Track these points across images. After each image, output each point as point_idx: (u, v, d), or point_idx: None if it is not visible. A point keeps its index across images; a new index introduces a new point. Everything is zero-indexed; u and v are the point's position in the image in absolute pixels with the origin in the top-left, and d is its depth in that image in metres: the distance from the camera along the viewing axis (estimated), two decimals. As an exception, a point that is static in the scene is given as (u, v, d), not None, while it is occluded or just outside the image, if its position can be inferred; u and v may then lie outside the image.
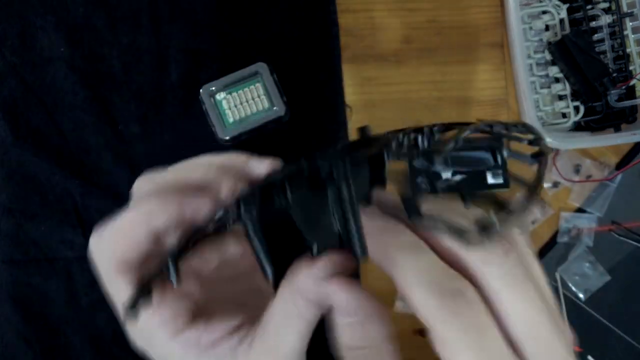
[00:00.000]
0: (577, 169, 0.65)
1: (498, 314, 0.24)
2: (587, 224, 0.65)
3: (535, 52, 0.65)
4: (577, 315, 0.63)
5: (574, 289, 0.64)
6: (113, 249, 0.31)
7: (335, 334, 0.26)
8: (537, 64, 0.65)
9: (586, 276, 0.64)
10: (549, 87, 0.65)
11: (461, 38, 0.66)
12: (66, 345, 0.63)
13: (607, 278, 0.63)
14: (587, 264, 0.64)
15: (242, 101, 0.63)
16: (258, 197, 0.27)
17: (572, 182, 0.65)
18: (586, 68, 0.62)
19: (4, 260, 0.63)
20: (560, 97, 0.65)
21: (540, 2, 0.64)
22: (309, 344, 0.27)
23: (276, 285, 0.28)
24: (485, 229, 0.24)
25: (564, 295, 0.64)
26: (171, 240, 0.31)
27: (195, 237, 0.28)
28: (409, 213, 0.26)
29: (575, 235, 0.65)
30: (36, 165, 0.64)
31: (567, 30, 0.64)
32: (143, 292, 0.28)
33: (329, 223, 0.26)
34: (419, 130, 0.26)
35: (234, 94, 0.63)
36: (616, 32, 0.64)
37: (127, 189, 0.64)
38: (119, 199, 0.64)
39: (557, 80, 0.65)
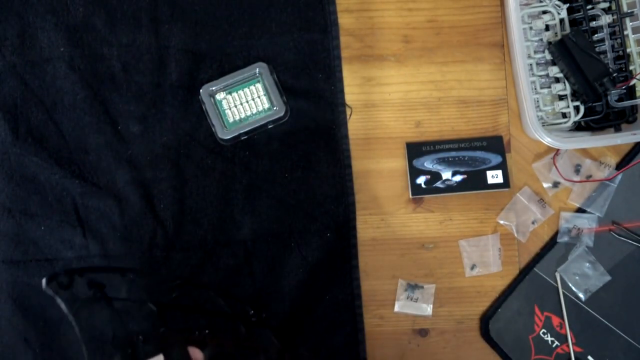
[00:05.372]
0: (577, 169, 0.65)
1: None
2: (587, 224, 0.65)
3: (535, 52, 0.65)
4: (577, 315, 0.63)
5: (574, 289, 0.64)
6: None
7: None
8: (537, 64, 0.65)
9: (586, 276, 0.64)
10: (549, 87, 0.65)
11: (461, 38, 0.66)
12: (66, 345, 0.63)
13: (607, 278, 0.63)
14: (587, 264, 0.64)
15: (242, 101, 0.63)
16: None
17: (572, 182, 0.65)
18: (586, 68, 0.62)
19: (4, 260, 0.63)
20: (561, 97, 0.65)
21: (540, 2, 0.64)
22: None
23: None
24: None
25: (564, 295, 0.64)
26: None
27: None
28: None
29: (575, 235, 0.65)
30: (36, 165, 0.64)
31: (567, 30, 0.64)
32: None
33: None
34: None
35: (234, 94, 0.63)
36: (616, 32, 0.64)
37: (126, 189, 0.64)
38: (118, 199, 0.64)
39: (557, 80, 0.65)
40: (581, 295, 0.64)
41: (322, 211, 0.64)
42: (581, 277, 0.64)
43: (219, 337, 0.33)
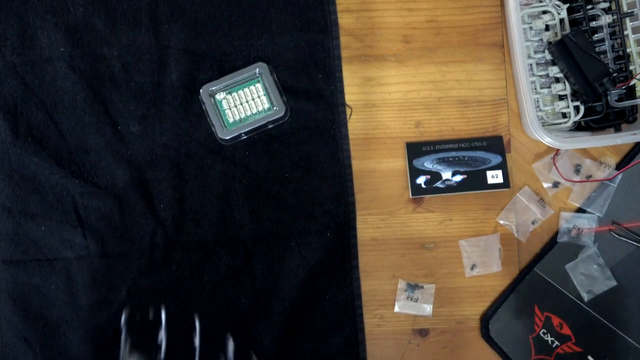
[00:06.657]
0: (577, 169, 0.65)
1: None
2: (587, 224, 0.65)
3: (535, 52, 0.65)
4: (577, 315, 0.63)
5: (577, 287, 0.63)
6: None
7: None
8: (537, 64, 0.65)
9: (593, 278, 0.64)
10: (549, 87, 0.65)
11: (461, 38, 0.66)
12: (66, 345, 0.63)
13: (613, 283, 0.63)
14: (595, 266, 0.64)
15: (242, 101, 0.63)
16: None
17: (572, 182, 0.65)
18: (586, 68, 0.62)
19: (4, 260, 0.63)
20: (561, 97, 0.65)
21: (540, 2, 0.64)
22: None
23: None
24: None
25: (564, 294, 0.64)
26: None
27: None
28: None
29: (575, 235, 0.65)
30: (36, 165, 0.64)
31: (567, 30, 0.64)
32: None
33: None
34: None
35: (234, 94, 0.63)
36: (616, 32, 0.64)
37: (126, 189, 0.64)
38: (118, 199, 0.64)
39: (557, 80, 0.65)
40: (584, 296, 0.64)
41: (322, 211, 0.64)
42: (587, 277, 0.64)
43: None
